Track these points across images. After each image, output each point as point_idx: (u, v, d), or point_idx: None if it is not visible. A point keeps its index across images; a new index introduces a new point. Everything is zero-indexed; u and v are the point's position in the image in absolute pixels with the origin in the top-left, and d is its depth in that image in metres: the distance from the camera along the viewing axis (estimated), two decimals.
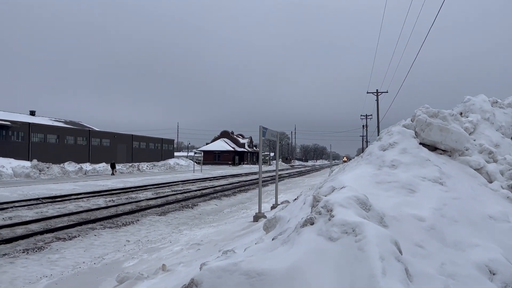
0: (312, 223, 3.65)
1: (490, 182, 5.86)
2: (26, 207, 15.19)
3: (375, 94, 44.67)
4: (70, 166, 42.56)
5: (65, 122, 65.12)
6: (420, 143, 6.27)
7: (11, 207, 15.03)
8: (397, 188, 4.78)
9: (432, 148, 6.35)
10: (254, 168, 70.80)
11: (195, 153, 66.64)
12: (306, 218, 3.70)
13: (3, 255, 8.23)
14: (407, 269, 3.03)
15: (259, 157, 11.71)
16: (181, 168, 60.19)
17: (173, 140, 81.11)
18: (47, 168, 38.90)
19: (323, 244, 3.28)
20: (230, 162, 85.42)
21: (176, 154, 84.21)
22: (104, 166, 47.35)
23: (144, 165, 53.54)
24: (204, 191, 22.67)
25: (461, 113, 7.42)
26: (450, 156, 6.27)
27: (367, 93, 45.33)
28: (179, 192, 22.18)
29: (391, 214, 3.98)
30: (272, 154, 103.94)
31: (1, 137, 43.15)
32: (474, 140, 6.62)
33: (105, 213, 14.13)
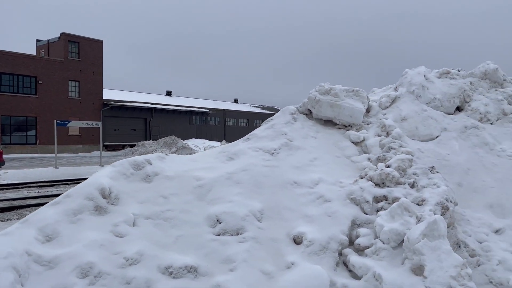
0: None
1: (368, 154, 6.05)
2: None
3: None
4: None
5: (262, 107, 73.28)
6: (318, 119, 6.77)
7: None
8: (223, 157, 5.82)
9: (333, 123, 6.71)
10: None
11: None
12: None
13: None
14: (98, 207, 4.52)
15: None
16: None
17: None
18: None
19: None
20: None
21: None
22: None
23: None
24: None
25: (396, 87, 7.13)
26: (348, 131, 6.54)
27: None
28: None
29: (169, 174, 5.26)
30: None
31: (201, 122, 52.45)
32: (384, 115, 6.55)
33: None
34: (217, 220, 4.74)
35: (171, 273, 4.00)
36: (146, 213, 4.67)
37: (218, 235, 4.62)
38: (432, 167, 5.32)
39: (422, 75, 6.88)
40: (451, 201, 4.95)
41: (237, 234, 4.62)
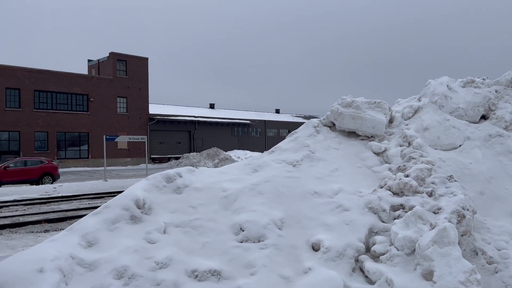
0: None
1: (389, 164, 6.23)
2: None
3: None
4: None
5: (304, 117, 73.29)
6: (342, 130, 7.02)
7: None
8: (248, 169, 6.21)
9: (356, 135, 6.93)
10: None
11: None
12: None
13: None
14: (133, 216, 5.03)
15: None
16: None
17: None
18: None
19: None
20: None
21: None
22: None
23: None
24: None
25: (420, 98, 7.22)
26: (370, 142, 6.74)
27: None
28: None
29: (198, 185, 5.71)
30: None
31: (243, 133, 53.35)
32: (406, 125, 6.68)
33: None
34: (241, 228, 5.12)
35: (196, 276, 4.40)
36: (176, 222, 5.12)
37: (241, 242, 4.98)
38: (451, 176, 5.44)
39: (445, 85, 6.97)
40: (468, 209, 5.05)
41: (259, 241, 4.97)
